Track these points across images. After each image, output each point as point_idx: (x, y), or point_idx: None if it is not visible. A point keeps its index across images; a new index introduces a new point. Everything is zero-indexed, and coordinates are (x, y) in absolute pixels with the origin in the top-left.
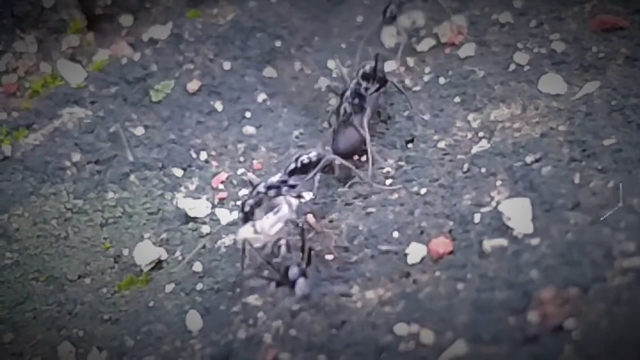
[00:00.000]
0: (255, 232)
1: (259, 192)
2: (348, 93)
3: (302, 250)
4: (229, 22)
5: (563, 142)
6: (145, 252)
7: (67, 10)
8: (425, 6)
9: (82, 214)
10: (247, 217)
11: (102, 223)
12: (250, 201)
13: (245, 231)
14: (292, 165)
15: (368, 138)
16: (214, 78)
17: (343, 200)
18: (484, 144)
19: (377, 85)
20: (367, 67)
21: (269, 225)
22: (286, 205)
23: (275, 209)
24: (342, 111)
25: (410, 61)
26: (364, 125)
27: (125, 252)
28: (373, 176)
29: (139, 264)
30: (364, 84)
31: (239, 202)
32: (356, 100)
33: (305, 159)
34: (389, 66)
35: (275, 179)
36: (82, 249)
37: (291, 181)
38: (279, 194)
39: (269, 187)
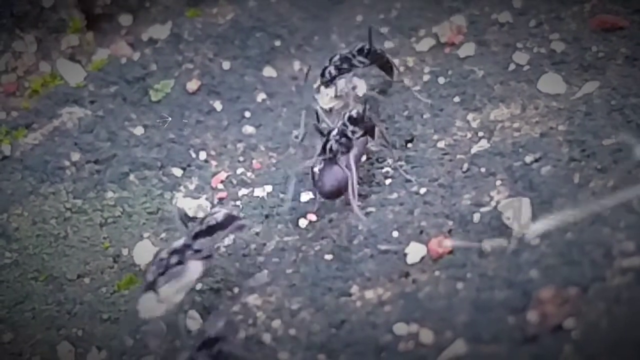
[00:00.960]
0: (158, 300)
1: (161, 259)
2: (335, 132)
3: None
4: (229, 21)
5: (562, 141)
6: (145, 252)
7: (66, 9)
8: (369, 75)
9: (82, 214)
10: (150, 286)
11: (102, 222)
12: (154, 268)
13: (147, 300)
14: (197, 228)
15: (355, 178)
16: (214, 77)
17: (342, 200)
18: (484, 143)
19: (362, 131)
20: (354, 112)
21: (172, 292)
22: (191, 270)
23: (180, 275)
24: (327, 149)
25: (410, 61)
26: (350, 165)
27: (125, 251)
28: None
29: (138, 264)
30: (350, 127)
31: (238, 202)
32: (343, 140)
33: (211, 220)
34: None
35: (179, 243)
36: (81, 249)
37: (196, 245)
38: (181, 260)
39: (172, 253)
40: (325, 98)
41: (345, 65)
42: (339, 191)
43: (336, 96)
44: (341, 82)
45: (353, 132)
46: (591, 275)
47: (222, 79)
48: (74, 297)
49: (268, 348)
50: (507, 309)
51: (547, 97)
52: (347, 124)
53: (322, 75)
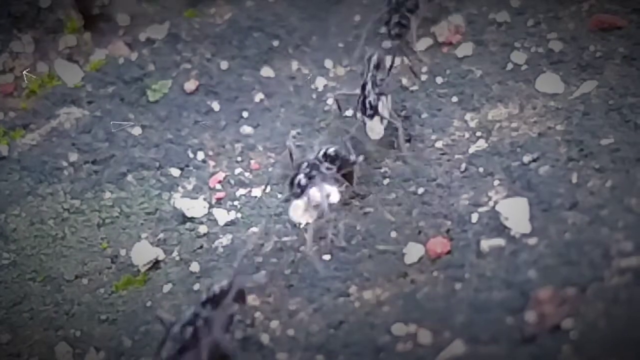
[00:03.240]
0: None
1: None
2: (176, 329)
3: None
4: (227, 21)
5: (560, 141)
6: (143, 252)
7: (63, 10)
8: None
9: (80, 214)
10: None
11: (100, 223)
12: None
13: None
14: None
15: None
16: (212, 78)
17: (340, 199)
18: (482, 143)
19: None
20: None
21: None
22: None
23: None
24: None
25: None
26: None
27: (123, 252)
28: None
29: (136, 264)
30: (204, 311)
31: (236, 202)
32: (200, 322)
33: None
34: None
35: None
36: (79, 249)
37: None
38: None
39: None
40: (298, 211)
41: (314, 173)
42: None
43: (308, 208)
44: (313, 192)
45: (207, 321)
46: (589, 275)
47: (220, 79)
48: (72, 298)
49: (266, 349)
50: (505, 310)
51: (545, 96)
52: (203, 309)
53: (292, 185)
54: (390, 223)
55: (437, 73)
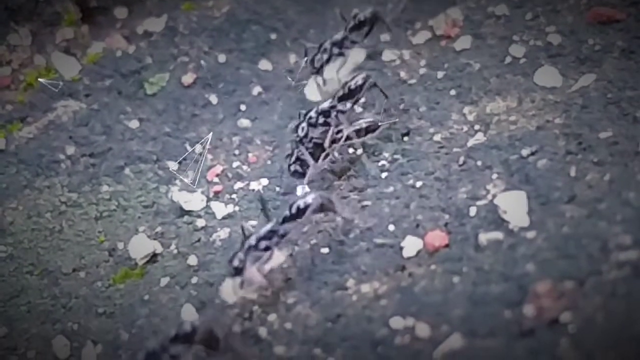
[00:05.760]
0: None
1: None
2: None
3: None
4: (224, 14)
5: (559, 134)
6: (140, 246)
7: (61, 2)
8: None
9: (77, 207)
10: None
11: (97, 216)
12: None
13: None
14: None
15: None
16: (209, 71)
17: (338, 193)
18: (480, 137)
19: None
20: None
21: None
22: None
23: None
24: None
25: (406, 54)
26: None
27: (120, 245)
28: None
29: (133, 258)
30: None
31: (234, 195)
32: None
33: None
34: (386, 56)
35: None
36: (76, 243)
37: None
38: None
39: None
40: (226, 289)
41: (256, 251)
42: None
43: (239, 288)
44: (251, 271)
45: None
46: (587, 268)
47: (218, 72)
48: (69, 291)
49: (264, 342)
50: (503, 303)
51: (543, 90)
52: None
53: (230, 263)
54: (389, 216)
55: (435, 66)
